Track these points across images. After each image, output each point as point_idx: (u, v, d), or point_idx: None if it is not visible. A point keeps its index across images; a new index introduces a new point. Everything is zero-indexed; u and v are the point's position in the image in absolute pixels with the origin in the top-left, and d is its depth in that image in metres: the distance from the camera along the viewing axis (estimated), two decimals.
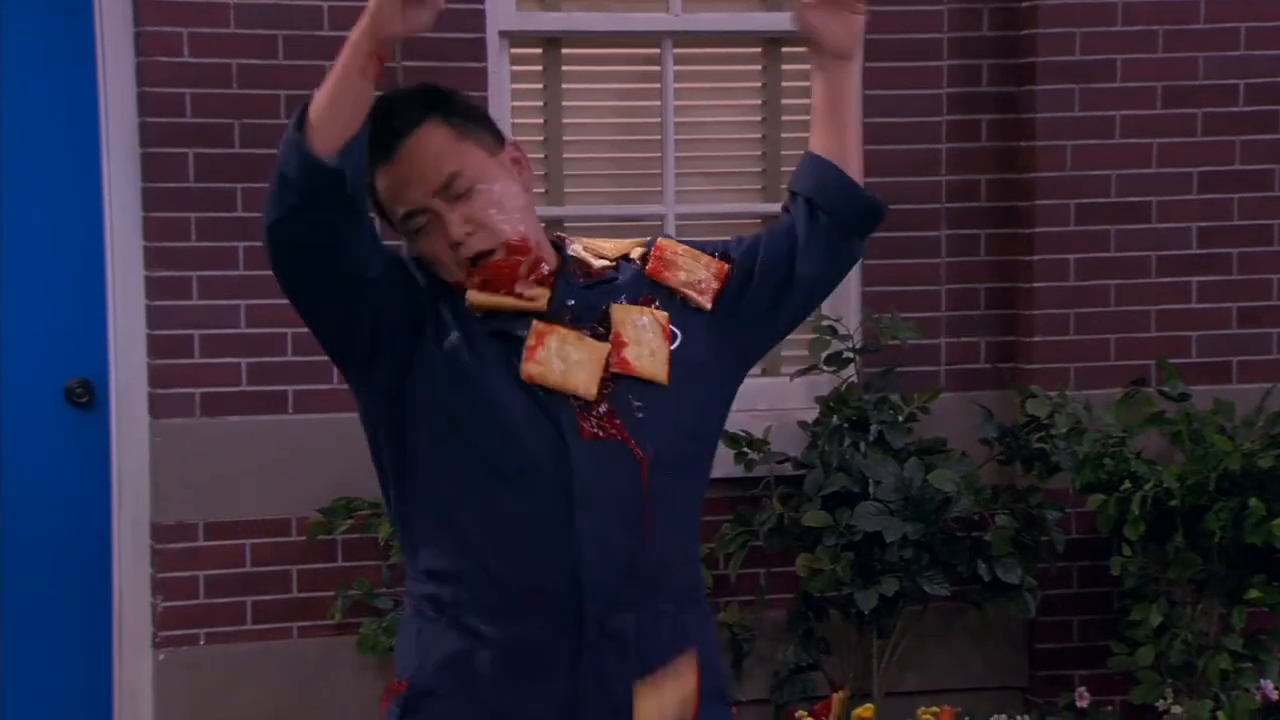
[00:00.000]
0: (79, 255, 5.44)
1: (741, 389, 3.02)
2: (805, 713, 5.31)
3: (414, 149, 2.83)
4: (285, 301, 2.82)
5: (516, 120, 5.62)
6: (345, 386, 2.92)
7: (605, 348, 2.85)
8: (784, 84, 5.84)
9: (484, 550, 2.81)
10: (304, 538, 5.40)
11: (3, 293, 5.42)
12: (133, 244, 5.38)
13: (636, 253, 2.99)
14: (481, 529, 2.81)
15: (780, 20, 5.78)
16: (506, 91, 5.59)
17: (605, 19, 5.71)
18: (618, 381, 2.84)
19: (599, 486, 2.80)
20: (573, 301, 2.88)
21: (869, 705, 5.28)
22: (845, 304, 5.68)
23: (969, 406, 5.61)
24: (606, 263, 2.96)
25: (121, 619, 5.45)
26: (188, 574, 5.38)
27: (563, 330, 2.84)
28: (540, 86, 5.71)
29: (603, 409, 2.83)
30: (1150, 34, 5.72)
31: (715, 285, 2.95)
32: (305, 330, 2.84)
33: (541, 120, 5.71)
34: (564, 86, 5.72)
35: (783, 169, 5.82)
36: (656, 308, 2.92)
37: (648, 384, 2.85)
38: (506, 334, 2.84)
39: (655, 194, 5.76)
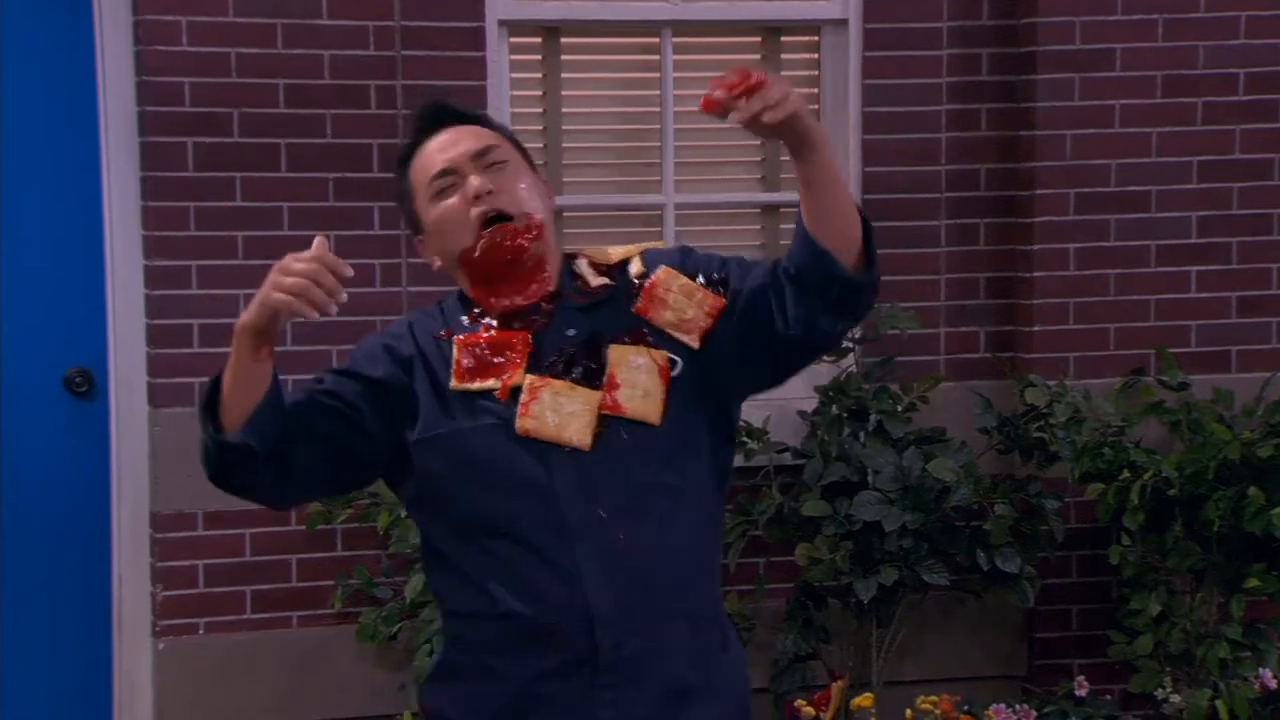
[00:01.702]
0: (78, 245, 5.44)
1: None
2: (804, 702, 5.31)
3: (459, 128, 2.95)
4: None
5: (516, 109, 5.61)
6: None
7: (597, 395, 2.88)
8: (784, 73, 5.82)
9: (496, 594, 2.87)
10: (303, 527, 5.39)
11: (2, 282, 5.41)
12: (132, 233, 5.38)
13: (635, 267, 2.97)
14: (489, 576, 2.87)
15: (779, 9, 5.78)
16: (505, 80, 5.59)
17: (604, 8, 5.70)
18: (609, 422, 2.88)
19: (591, 520, 2.85)
20: (573, 332, 2.91)
21: (868, 694, 5.29)
22: None
23: (968, 396, 5.60)
24: (606, 281, 2.97)
25: (121, 608, 5.45)
26: (187, 563, 5.38)
27: (555, 383, 2.87)
28: (539, 76, 5.70)
29: (594, 453, 2.87)
30: (1150, 23, 5.71)
31: (705, 324, 2.92)
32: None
33: (541, 110, 5.70)
34: (563, 76, 5.71)
35: (782, 158, 5.82)
36: (651, 343, 2.92)
37: (638, 422, 2.88)
38: (489, 393, 2.88)
39: (655, 183, 5.75)
